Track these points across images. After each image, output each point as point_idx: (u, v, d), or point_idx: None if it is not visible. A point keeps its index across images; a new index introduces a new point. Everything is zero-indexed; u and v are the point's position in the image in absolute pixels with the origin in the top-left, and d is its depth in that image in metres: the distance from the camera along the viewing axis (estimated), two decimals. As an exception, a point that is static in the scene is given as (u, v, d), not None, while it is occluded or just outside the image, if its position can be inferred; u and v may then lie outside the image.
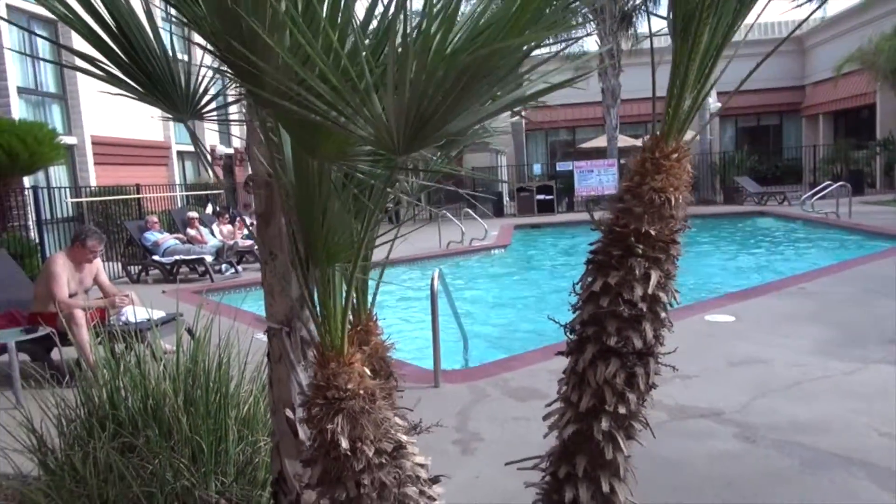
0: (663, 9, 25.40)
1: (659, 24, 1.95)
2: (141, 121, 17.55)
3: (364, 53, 1.31)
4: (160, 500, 2.69)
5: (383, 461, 1.44)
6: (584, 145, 26.77)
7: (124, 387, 3.12)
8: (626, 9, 22.49)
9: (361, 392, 1.40)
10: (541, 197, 21.25)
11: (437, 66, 1.16)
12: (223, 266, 11.75)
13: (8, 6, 14.11)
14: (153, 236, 11.64)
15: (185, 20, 1.42)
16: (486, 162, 25.44)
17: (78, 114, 16.02)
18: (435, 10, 1.17)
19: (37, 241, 11.79)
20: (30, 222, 12.69)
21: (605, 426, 1.84)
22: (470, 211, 15.74)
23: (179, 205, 18.42)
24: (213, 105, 1.88)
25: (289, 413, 2.66)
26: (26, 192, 11.72)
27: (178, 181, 19.99)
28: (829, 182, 17.20)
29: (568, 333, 1.98)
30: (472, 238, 14.11)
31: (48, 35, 15.40)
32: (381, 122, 1.23)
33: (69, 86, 15.91)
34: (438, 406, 4.49)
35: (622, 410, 1.82)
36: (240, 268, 12.20)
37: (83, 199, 14.56)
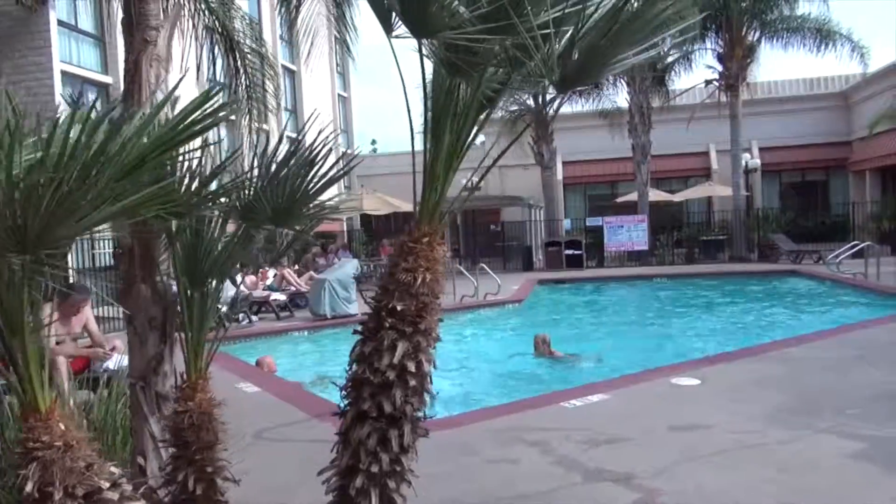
0: (696, 70, 25.57)
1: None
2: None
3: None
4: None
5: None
6: (620, 199, 26.74)
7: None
8: (658, 68, 22.72)
9: (58, 444, 1.64)
10: (569, 252, 21.26)
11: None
12: (240, 315, 12.23)
13: (63, 72, 15.40)
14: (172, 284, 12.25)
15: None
16: (518, 216, 25.67)
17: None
18: None
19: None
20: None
21: (360, 483, 2.02)
22: (484, 266, 15.91)
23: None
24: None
25: (140, 460, 2.92)
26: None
27: (217, 232, 20.96)
28: (856, 242, 16.72)
29: (342, 397, 2.18)
30: (487, 293, 14.25)
31: (101, 98, 16.65)
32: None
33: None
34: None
35: (374, 469, 2.00)
36: (255, 318, 12.68)
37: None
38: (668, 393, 6.23)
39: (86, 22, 16.64)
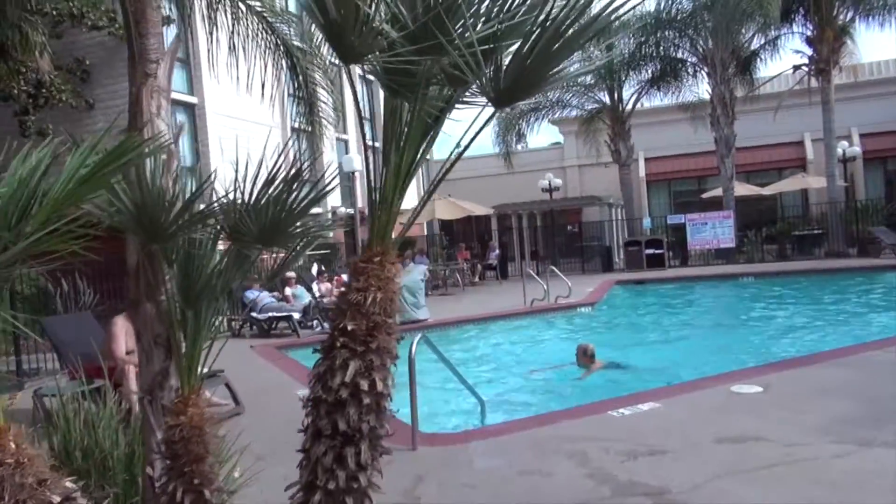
0: (785, 56, 24.04)
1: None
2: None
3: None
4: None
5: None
6: (707, 195, 25.69)
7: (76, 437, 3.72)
8: (745, 54, 21.71)
9: (9, 461, 1.76)
10: (650, 251, 20.62)
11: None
12: (313, 322, 12.65)
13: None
14: (252, 294, 12.80)
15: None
16: (596, 216, 25.17)
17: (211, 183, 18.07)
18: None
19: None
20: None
21: (318, 499, 2.07)
22: (553, 268, 15.68)
23: (300, 262, 19.97)
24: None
25: (149, 470, 3.09)
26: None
27: (300, 240, 21.67)
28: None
29: (305, 415, 2.23)
30: (557, 296, 14.05)
31: (187, 117, 17.65)
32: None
33: (203, 158, 18.00)
34: (401, 468, 4.70)
35: (332, 486, 2.04)
36: (326, 325, 13.05)
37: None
38: (725, 401, 5.94)
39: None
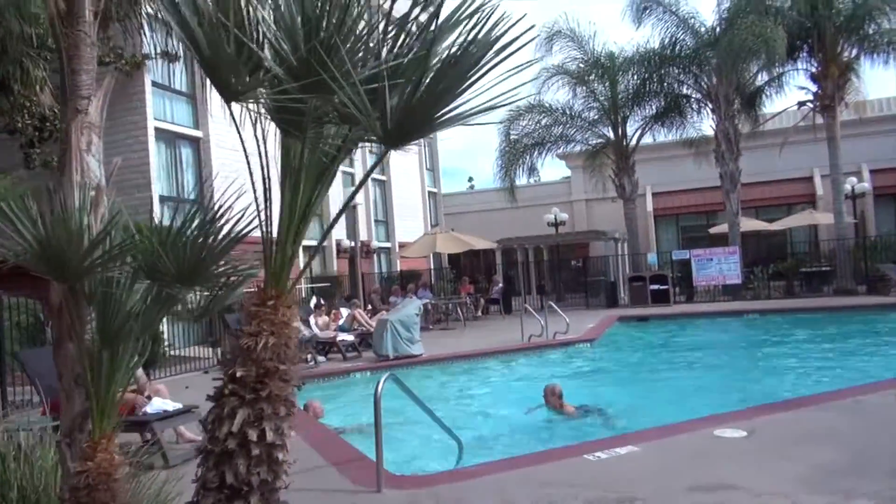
0: (790, 93, 23.84)
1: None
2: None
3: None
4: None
5: None
6: (714, 230, 25.48)
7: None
8: (749, 90, 21.72)
9: None
10: (654, 287, 20.39)
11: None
12: (307, 356, 12.52)
13: (156, 129, 16.63)
14: (246, 328, 12.73)
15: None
16: (600, 251, 25.00)
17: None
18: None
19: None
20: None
21: (205, 558, 1.95)
22: (552, 304, 15.50)
23: (303, 296, 19.91)
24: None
25: None
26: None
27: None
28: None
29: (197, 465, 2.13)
30: (556, 331, 13.86)
31: (192, 151, 17.82)
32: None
33: (207, 192, 18.10)
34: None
35: (219, 544, 1.93)
36: (323, 358, 12.94)
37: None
38: (707, 446, 5.74)
39: (179, 80, 17.93)
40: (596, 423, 7.26)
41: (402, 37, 1.74)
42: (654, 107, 22.36)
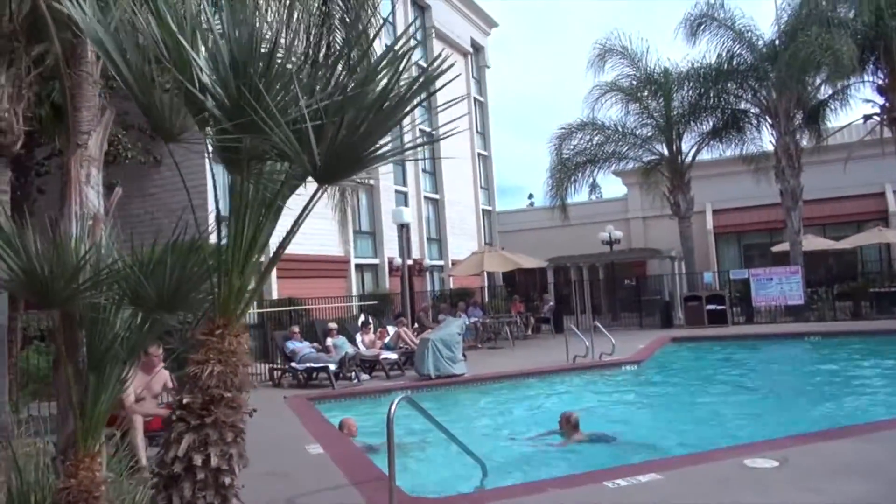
0: (854, 106, 22.76)
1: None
2: (323, 237, 19.91)
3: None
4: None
5: None
6: (777, 248, 24.58)
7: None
8: (812, 104, 20.97)
9: None
10: (711, 307, 19.77)
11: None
12: (351, 374, 12.70)
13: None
14: (292, 345, 13.03)
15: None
16: (657, 269, 24.45)
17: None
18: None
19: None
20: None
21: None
22: (597, 324, 15.22)
23: (355, 313, 20.21)
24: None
25: None
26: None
27: (355, 292, 22.02)
28: None
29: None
30: (602, 352, 13.62)
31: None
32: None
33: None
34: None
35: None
36: (366, 376, 13.10)
37: (266, 311, 16.80)
38: (734, 476, 5.53)
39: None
40: (604, 453, 7.06)
41: (331, 81, 1.81)
42: (710, 122, 21.84)
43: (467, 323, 18.72)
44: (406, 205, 24.91)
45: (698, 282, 21.51)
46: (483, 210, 32.77)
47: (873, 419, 7.91)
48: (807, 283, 20.06)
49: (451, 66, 1.78)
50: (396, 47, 1.75)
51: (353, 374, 12.68)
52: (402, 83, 1.84)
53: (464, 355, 13.78)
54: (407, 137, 1.96)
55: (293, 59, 1.92)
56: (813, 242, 22.71)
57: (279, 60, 1.73)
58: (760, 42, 20.46)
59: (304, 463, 6.79)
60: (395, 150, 1.80)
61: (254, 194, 2.00)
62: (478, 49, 34.10)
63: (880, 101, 19.53)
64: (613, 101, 22.23)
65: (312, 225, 20.12)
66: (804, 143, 21.05)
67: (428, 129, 27.90)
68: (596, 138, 22.47)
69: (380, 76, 1.75)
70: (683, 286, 22.52)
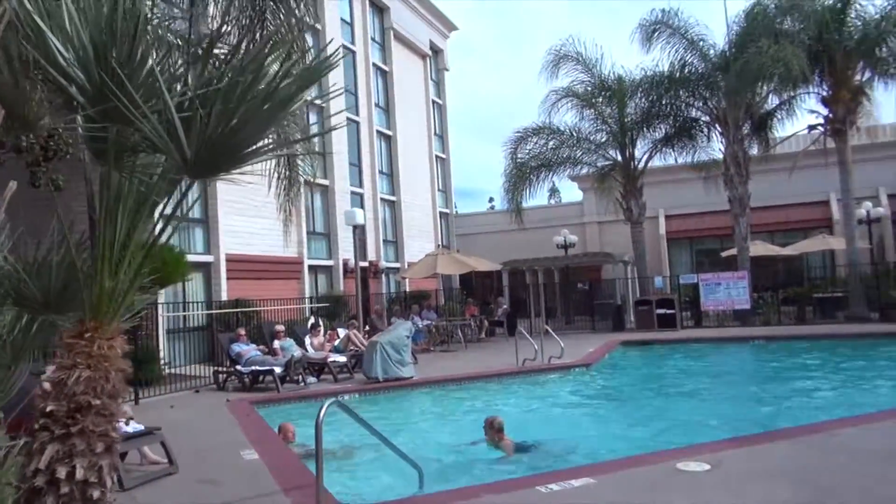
0: (800, 116, 23.33)
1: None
2: (273, 238, 19.54)
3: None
4: None
5: None
6: (726, 254, 25.09)
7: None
8: (760, 114, 21.47)
9: None
10: (661, 311, 20.07)
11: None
12: (298, 377, 12.47)
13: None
14: (238, 347, 12.73)
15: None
16: (611, 273, 24.72)
17: (217, 235, 18.18)
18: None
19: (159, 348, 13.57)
20: (160, 332, 14.53)
21: None
22: (548, 328, 15.30)
23: (307, 315, 19.86)
24: None
25: None
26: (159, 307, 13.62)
27: (308, 294, 21.67)
28: None
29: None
30: (551, 356, 13.66)
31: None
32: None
33: (211, 211, 18.21)
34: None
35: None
36: (314, 379, 12.89)
37: (213, 312, 16.42)
38: (665, 480, 5.55)
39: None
40: (532, 461, 7.03)
41: (204, 71, 1.71)
42: (662, 130, 22.19)
43: (419, 326, 18.63)
44: (362, 206, 24.65)
45: (650, 286, 21.81)
46: (441, 213, 32.70)
47: (812, 422, 8.05)
48: (754, 288, 20.53)
49: (341, 58, 1.69)
50: (274, 39, 1.64)
51: (300, 377, 12.47)
52: (289, 78, 1.74)
53: (414, 358, 13.68)
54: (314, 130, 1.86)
55: (176, 42, 1.80)
56: (761, 248, 23.27)
57: (142, 46, 1.62)
58: (712, 52, 20.86)
59: (237, 470, 6.60)
60: (279, 143, 1.69)
61: (129, 188, 1.88)
62: (437, 52, 34.07)
63: (824, 111, 20.11)
64: (569, 106, 22.43)
65: (261, 225, 19.73)
66: (752, 151, 21.53)
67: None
68: (551, 143, 22.62)
69: (263, 67, 1.65)
70: (636, 290, 22.82)
